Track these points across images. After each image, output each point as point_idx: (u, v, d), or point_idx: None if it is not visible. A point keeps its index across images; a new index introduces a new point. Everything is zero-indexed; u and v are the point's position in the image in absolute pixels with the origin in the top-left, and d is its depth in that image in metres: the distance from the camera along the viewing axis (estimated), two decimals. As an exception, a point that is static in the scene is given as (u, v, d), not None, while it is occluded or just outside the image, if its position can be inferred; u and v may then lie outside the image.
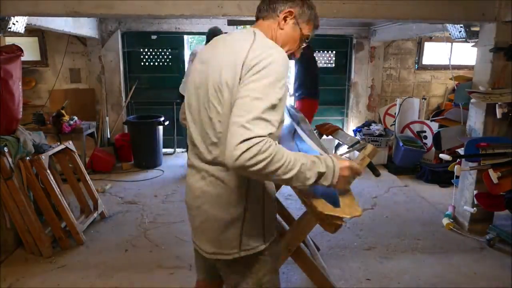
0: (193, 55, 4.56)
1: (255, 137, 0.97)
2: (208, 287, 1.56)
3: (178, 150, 5.77)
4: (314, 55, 4.70)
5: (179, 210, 3.61)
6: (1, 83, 2.66)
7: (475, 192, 3.04)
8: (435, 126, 4.90)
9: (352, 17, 2.85)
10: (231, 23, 5.03)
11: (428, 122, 5.13)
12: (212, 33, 4.29)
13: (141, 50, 5.45)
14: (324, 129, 2.49)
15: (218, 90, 1.12)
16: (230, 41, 1.19)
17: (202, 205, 1.25)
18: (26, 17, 2.95)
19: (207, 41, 4.43)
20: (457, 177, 3.35)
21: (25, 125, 3.52)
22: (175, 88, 5.54)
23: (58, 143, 3.25)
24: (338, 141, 2.41)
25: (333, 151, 5.26)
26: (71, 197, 3.29)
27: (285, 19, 1.28)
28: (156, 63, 5.51)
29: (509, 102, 2.83)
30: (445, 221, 3.30)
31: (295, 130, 2.56)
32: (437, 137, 3.33)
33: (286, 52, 1.20)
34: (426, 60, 5.71)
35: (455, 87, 3.45)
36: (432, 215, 3.57)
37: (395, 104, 5.39)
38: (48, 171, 2.82)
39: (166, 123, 5.03)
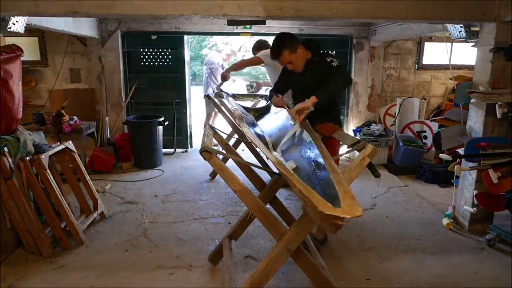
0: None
1: None
2: None
3: (178, 150, 5.77)
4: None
5: (179, 210, 3.61)
6: (1, 83, 2.66)
7: (475, 192, 3.04)
8: (435, 126, 4.90)
9: (352, 17, 2.85)
10: (231, 23, 5.03)
11: (428, 122, 5.13)
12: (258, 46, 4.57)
13: (141, 50, 5.44)
14: (324, 129, 2.49)
15: None
16: None
17: None
18: (26, 17, 2.95)
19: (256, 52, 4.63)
20: (457, 177, 3.35)
21: (25, 125, 3.51)
22: (175, 88, 5.56)
23: (58, 143, 3.24)
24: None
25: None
26: (71, 197, 3.29)
27: None
28: (156, 63, 5.51)
29: (509, 102, 2.83)
30: (445, 221, 3.30)
31: (294, 132, 2.56)
32: (437, 137, 3.33)
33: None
34: (426, 60, 5.71)
35: (455, 87, 3.45)
36: (432, 215, 3.57)
37: (395, 104, 5.40)
38: (48, 171, 2.82)
39: (166, 123, 5.03)
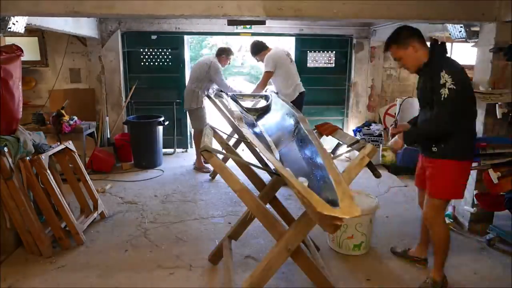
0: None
1: None
2: None
3: (178, 150, 5.77)
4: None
5: (179, 210, 3.61)
6: (1, 83, 2.66)
7: (475, 192, 3.04)
8: (435, 126, 4.89)
9: (352, 17, 2.85)
10: (231, 23, 5.03)
11: (428, 122, 5.12)
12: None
13: (141, 50, 5.44)
14: (323, 129, 2.49)
15: None
16: None
17: None
18: (26, 17, 2.96)
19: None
20: (457, 177, 3.35)
21: (25, 125, 3.52)
22: (175, 88, 5.56)
23: (58, 143, 3.25)
24: (338, 140, 2.42)
25: (333, 151, 5.27)
26: (71, 197, 3.29)
27: None
28: (156, 63, 5.51)
29: (509, 102, 2.83)
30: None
31: (295, 129, 2.56)
32: (437, 137, 3.33)
33: None
34: (426, 60, 5.70)
35: (455, 87, 3.44)
36: (432, 215, 3.57)
37: (395, 104, 5.39)
38: (48, 171, 2.82)
39: (166, 123, 5.04)
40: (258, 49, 4.39)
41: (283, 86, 4.26)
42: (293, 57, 4.44)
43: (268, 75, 4.24)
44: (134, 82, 5.43)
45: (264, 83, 4.35)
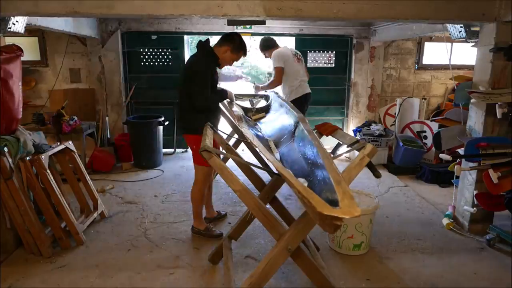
0: None
1: None
2: None
3: (178, 150, 5.77)
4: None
5: (179, 210, 3.61)
6: (1, 83, 2.66)
7: (475, 192, 3.04)
8: (435, 126, 4.90)
9: (352, 17, 2.84)
10: (231, 23, 5.03)
11: (428, 122, 5.13)
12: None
13: (141, 50, 5.45)
14: (323, 129, 2.49)
15: None
16: None
17: None
18: (26, 17, 2.96)
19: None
20: (457, 177, 3.35)
21: (25, 125, 3.52)
22: (175, 88, 5.54)
23: (58, 143, 3.25)
24: (338, 140, 2.42)
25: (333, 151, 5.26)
26: (71, 197, 3.29)
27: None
28: (156, 63, 5.51)
29: (509, 102, 2.83)
30: (445, 221, 3.30)
31: (294, 129, 2.56)
32: (437, 137, 3.33)
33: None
34: (426, 60, 5.71)
35: (455, 87, 3.45)
36: (432, 215, 3.57)
37: (395, 104, 5.40)
38: (48, 171, 2.82)
39: (166, 123, 5.03)
40: (268, 46, 4.34)
41: (287, 83, 4.21)
42: (302, 57, 4.37)
43: (279, 70, 4.18)
44: (134, 82, 5.44)
45: (278, 79, 4.22)
